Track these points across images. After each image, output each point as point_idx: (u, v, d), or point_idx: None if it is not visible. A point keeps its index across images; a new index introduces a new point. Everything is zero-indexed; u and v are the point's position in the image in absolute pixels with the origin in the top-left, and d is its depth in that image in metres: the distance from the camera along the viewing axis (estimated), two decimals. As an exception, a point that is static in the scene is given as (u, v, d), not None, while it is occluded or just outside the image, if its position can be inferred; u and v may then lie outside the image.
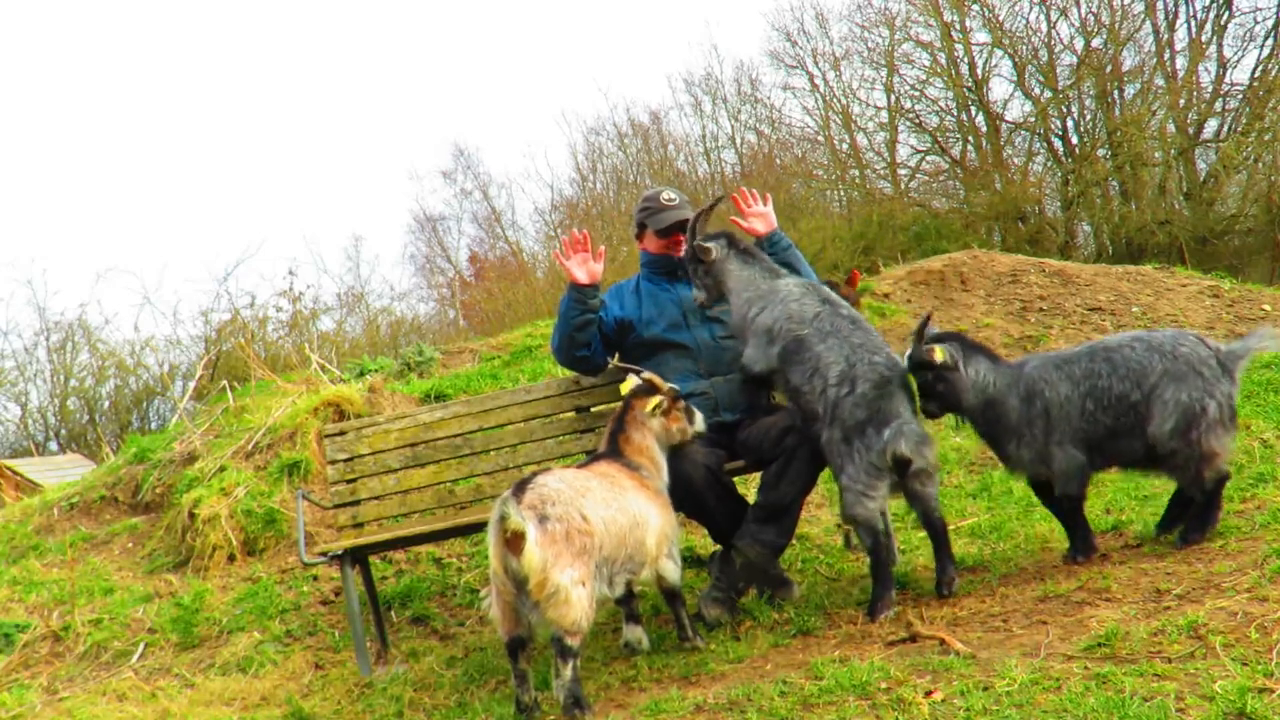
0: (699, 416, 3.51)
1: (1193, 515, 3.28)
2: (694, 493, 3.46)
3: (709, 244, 3.65)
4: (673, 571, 3.23)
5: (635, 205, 4.16)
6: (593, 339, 3.85)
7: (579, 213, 18.82)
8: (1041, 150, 17.35)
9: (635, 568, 3.08)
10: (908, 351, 3.39)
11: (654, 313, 3.88)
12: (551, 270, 16.89)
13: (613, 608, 3.26)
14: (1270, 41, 15.30)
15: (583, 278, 3.77)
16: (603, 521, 2.91)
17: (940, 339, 3.38)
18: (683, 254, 3.75)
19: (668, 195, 3.98)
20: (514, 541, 2.72)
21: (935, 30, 16.79)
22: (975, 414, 3.37)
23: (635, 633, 3.38)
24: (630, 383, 3.51)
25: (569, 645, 2.78)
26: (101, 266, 31.72)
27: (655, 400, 3.39)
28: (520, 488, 2.87)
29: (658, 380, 3.47)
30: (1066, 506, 3.38)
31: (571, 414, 4.22)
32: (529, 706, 2.94)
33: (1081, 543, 3.36)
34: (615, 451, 3.32)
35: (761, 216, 3.90)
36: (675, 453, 3.47)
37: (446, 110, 36.34)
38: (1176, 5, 16.06)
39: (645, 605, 4.06)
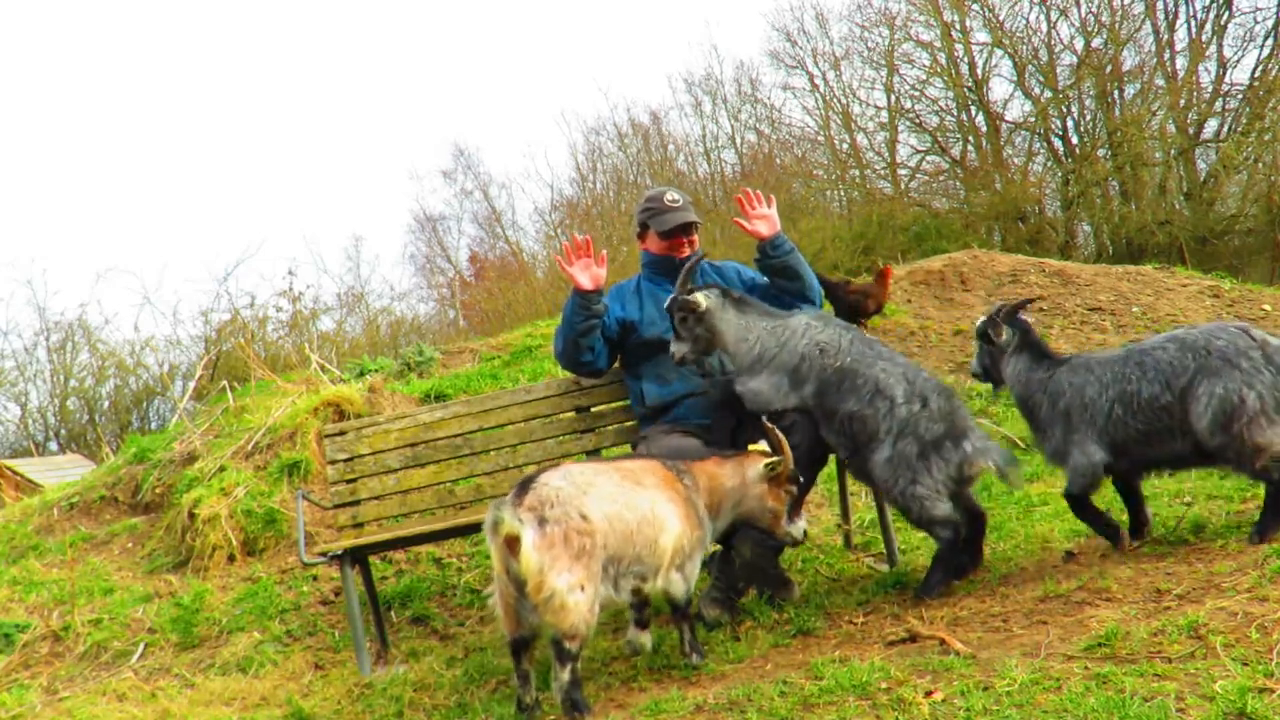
0: (801, 523, 3.33)
1: (1264, 509, 3.17)
2: None
3: (699, 294, 3.55)
4: (679, 585, 3.09)
5: (637, 204, 4.15)
6: (596, 343, 3.84)
7: (579, 213, 18.83)
8: (1041, 150, 17.37)
9: (645, 571, 2.97)
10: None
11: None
12: (551, 270, 16.89)
13: (622, 607, 3.21)
14: (1270, 41, 15.32)
15: (586, 283, 3.75)
16: (606, 518, 2.82)
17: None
18: (666, 308, 3.63)
19: (671, 196, 3.97)
20: (512, 544, 2.69)
21: (935, 30, 16.80)
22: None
23: (641, 637, 3.25)
24: (759, 448, 3.33)
25: (567, 649, 2.74)
26: (101, 266, 31.79)
27: (774, 460, 3.22)
28: (524, 487, 2.83)
29: (788, 454, 3.25)
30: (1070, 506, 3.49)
31: (571, 414, 4.22)
32: (530, 706, 2.92)
33: (1111, 531, 3.44)
34: (688, 459, 3.23)
35: (765, 219, 3.86)
36: (673, 452, 3.44)
37: (446, 110, 36.37)
38: (1176, 5, 16.08)
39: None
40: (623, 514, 2.88)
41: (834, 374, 3.41)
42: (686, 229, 3.89)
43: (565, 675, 2.76)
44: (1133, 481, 3.49)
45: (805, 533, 3.35)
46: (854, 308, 7.18)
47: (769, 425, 3.27)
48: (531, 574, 2.67)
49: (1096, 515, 3.45)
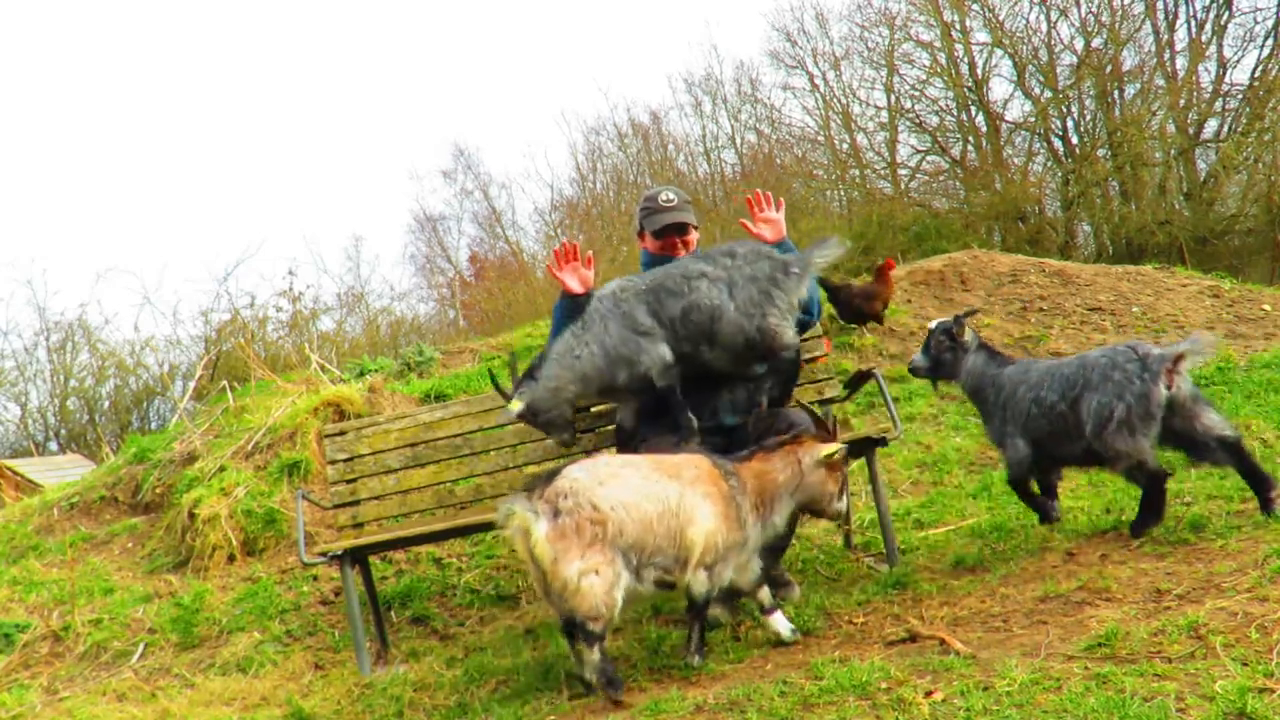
0: (848, 498, 3.41)
1: (1140, 507, 3.55)
2: None
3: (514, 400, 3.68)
4: (702, 585, 3.04)
5: (637, 203, 4.16)
6: None
7: (579, 213, 18.83)
8: (1041, 150, 17.35)
9: (669, 563, 2.96)
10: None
11: None
12: (551, 270, 16.88)
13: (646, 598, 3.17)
14: (1270, 41, 15.30)
15: (576, 286, 3.76)
16: (622, 507, 2.86)
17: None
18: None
19: (666, 196, 3.97)
20: (526, 534, 2.80)
21: (935, 30, 16.78)
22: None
23: (773, 624, 3.20)
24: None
25: (591, 630, 2.83)
26: (101, 266, 31.78)
27: (835, 448, 3.21)
28: (548, 479, 2.93)
29: (837, 435, 3.29)
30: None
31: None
32: (590, 682, 2.99)
33: (1043, 509, 3.85)
34: (735, 458, 3.22)
35: (771, 223, 3.85)
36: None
37: (446, 110, 36.36)
38: (1176, 5, 16.06)
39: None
40: (641, 504, 2.91)
41: (648, 295, 3.57)
42: (679, 229, 3.89)
43: (594, 655, 2.85)
44: (1049, 477, 3.89)
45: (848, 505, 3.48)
46: (858, 312, 7.11)
47: (813, 410, 3.40)
48: (545, 564, 2.79)
49: (1031, 497, 3.84)
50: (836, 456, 3.21)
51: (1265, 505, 3.39)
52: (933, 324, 4.05)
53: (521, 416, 3.67)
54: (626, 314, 3.58)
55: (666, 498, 2.96)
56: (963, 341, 3.92)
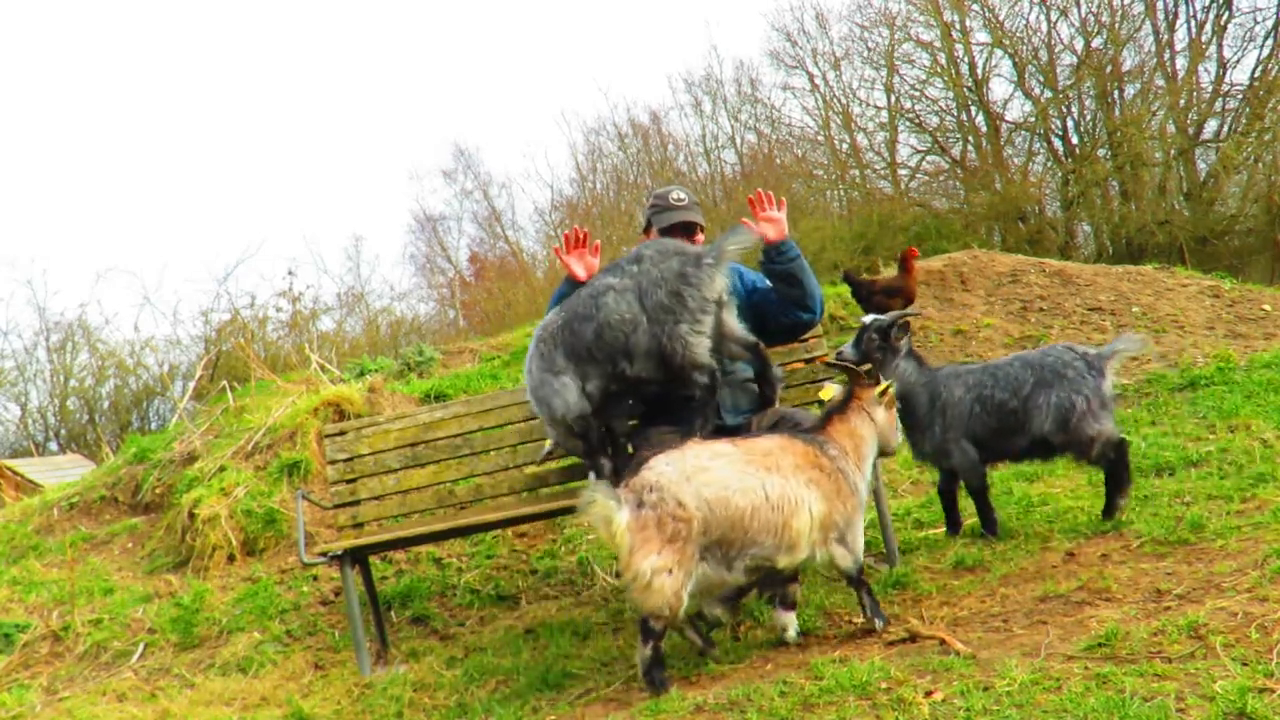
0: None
1: (1107, 487, 3.84)
2: None
3: None
4: (844, 557, 3.05)
5: (647, 199, 4.17)
6: None
7: (579, 213, 18.82)
8: (1041, 150, 17.35)
9: (768, 552, 2.93)
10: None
11: None
12: (551, 270, 16.91)
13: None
14: (1270, 41, 15.30)
15: (581, 273, 3.79)
16: (708, 505, 2.83)
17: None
18: None
19: (677, 195, 3.98)
20: (606, 523, 2.81)
21: (935, 30, 16.78)
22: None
23: (782, 619, 3.23)
24: (830, 390, 3.44)
25: (652, 627, 2.84)
26: (101, 266, 31.79)
27: (887, 384, 3.30)
28: (636, 467, 2.94)
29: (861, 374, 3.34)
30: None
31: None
32: (701, 647, 3.09)
33: (988, 524, 4.01)
34: (817, 429, 3.22)
35: (773, 222, 3.83)
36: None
37: (446, 110, 36.35)
38: (1176, 5, 16.06)
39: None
40: (732, 499, 2.87)
41: (564, 331, 3.52)
42: (686, 229, 3.90)
43: (648, 651, 2.86)
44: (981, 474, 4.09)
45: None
46: (882, 309, 7.14)
47: (847, 364, 3.45)
48: (621, 554, 2.81)
49: (955, 507, 4.13)
50: (891, 391, 3.33)
51: (1109, 508, 3.80)
52: (867, 319, 4.05)
53: (549, 455, 3.94)
54: (545, 355, 3.56)
55: (764, 491, 2.92)
56: (895, 344, 3.99)
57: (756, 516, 2.89)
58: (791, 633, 3.20)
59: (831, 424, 3.21)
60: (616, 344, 3.44)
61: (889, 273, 8.74)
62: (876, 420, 3.26)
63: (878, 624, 3.12)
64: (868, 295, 7.21)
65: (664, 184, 18.70)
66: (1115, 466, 3.80)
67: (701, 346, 3.39)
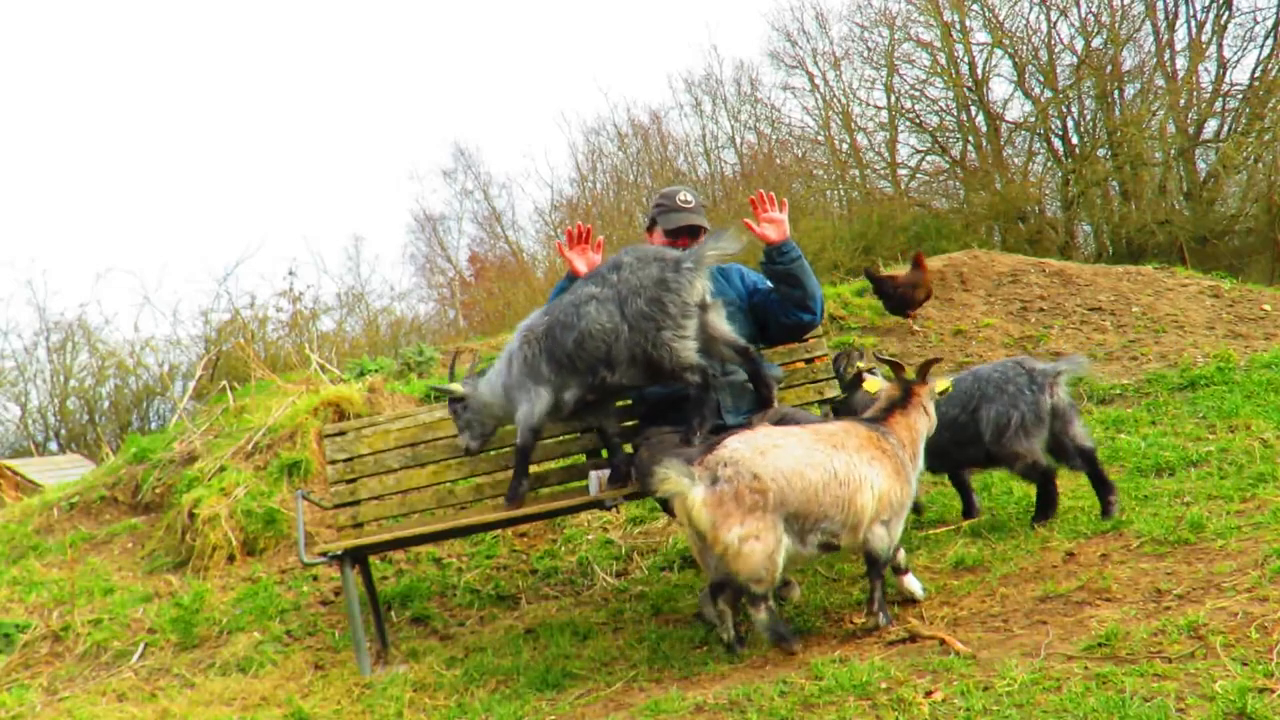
0: None
1: (1036, 502, 4.04)
2: None
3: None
4: (881, 539, 3.12)
5: (653, 198, 4.17)
6: None
7: (579, 213, 18.82)
8: (1041, 150, 17.35)
9: (836, 528, 3.03)
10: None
11: None
12: (551, 270, 16.92)
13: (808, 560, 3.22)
14: (1270, 41, 15.30)
15: (583, 269, 3.81)
16: (783, 477, 2.94)
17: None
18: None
19: (684, 196, 3.98)
20: (680, 500, 2.92)
21: (935, 30, 16.79)
22: None
23: (907, 585, 3.33)
24: (876, 383, 3.51)
25: (755, 591, 2.95)
26: (101, 266, 31.79)
27: (947, 384, 3.46)
28: (709, 447, 3.04)
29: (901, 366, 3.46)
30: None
31: (571, 414, 4.21)
32: (731, 643, 3.14)
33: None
34: (878, 420, 3.30)
35: (775, 223, 3.84)
36: (674, 454, 3.45)
37: (446, 110, 36.35)
38: (1176, 5, 16.06)
39: (657, 591, 4.06)
40: (805, 473, 2.98)
41: (546, 338, 3.57)
42: (692, 232, 3.90)
43: (762, 615, 2.99)
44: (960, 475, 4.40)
45: None
46: (905, 299, 7.37)
47: (891, 359, 3.48)
48: (705, 529, 2.92)
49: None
50: (949, 390, 3.50)
51: (1106, 509, 3.84)
52: (835, 354, 4.40)
53: (451, 401, 3.90)
54: (529, 359, 3.62)
55: (833, 467, 3.03)
56: (843, 375, 4.32)
57: (827, 491, 3.00)
58: (919, 593, 3.34)
59: (893, 417, 3.33)
60: (598, 353, 3.48)
61: (899, 270, 8.88)
62: (930, 417, 3.40)
63: (881, 620, 3.14)
64: (891, 290, 7.46)
65: (665, 184, 18.71)
66: (1042, 486, 3.99)
67: (688, 349, 3.42)
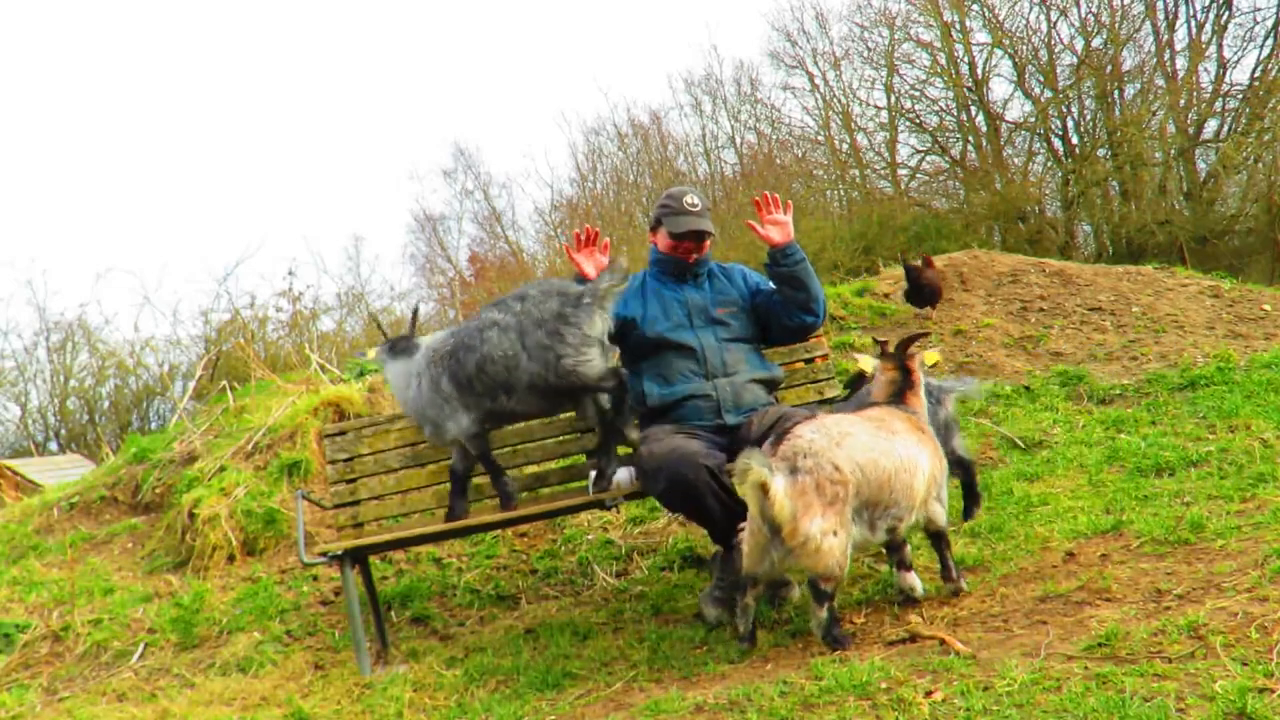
0: None
1: (964, 498, 4.28)
2: (694, 494, 3.45)
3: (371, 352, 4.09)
4: (940, 514, 3.23)
5: (659, 197, 4.15)
6: None
7: (579, 213, 18.83)
8: (1041, 150, 17.37)
9: (902, 513, 3.07)
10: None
11: (658, 312, 3.87)
12: (551, 270, 16.92)
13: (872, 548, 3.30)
14: (1270, 41, 15.32)
15: (591, 272, 3.82)
16: (860, 469, 2.94)
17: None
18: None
19: (691, 200, 3.94)
20: (763, 489, 2.84)
21: (935, 30, 16.80)
22: None
23: (909, 580, 3.34)
24: (869, 362, 3.57)
25: (823, 589, 2.92)
26: (101, 266, 31.86)
27: (936, 356, 3.54)
28: (779, 438, 3.01)
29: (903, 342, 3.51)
30: None
31: (571, 414, 4.21)
32: (746, 636, 3.14)
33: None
34: (894, 401, 3.35)
35: (779, 225, 3.82)
36: (674, 453, 3.46)
37: (446, 110, 36.41)
38: (1176, 5, 16.07)
39: (657, 591, 4.06)
40: (879, 462, 3.00)
41: (450, 359, 3.64)
42: (698, 236, 3.89)
43: (824, 614, 2.95)
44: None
45: None
46: (933, 291, 7.71)
47: (879, 341, 3.53)
48: (785, 520, 2.84)
49: None
50: (939, 363, 3.55)
51: (967, 514, 4.21)
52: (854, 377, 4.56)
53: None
54: (434, 378, 3.68)
55: (897, 454, 3.06)
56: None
57: (898, 478, 3.03)
58: (919, 590, 3.30)
59: (908, 397, 3.37)
60: (498, 378, 3.57)
61: (899, 270, 9.19)
62: (924, 381, 3.46)
63: (963, 585, 3.26)
64: (917, 281, 7.73)
65: (665, 184, 18.69)
66: (966, 484, 4.27)
67: (594, 366, 3.53)
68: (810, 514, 2.84)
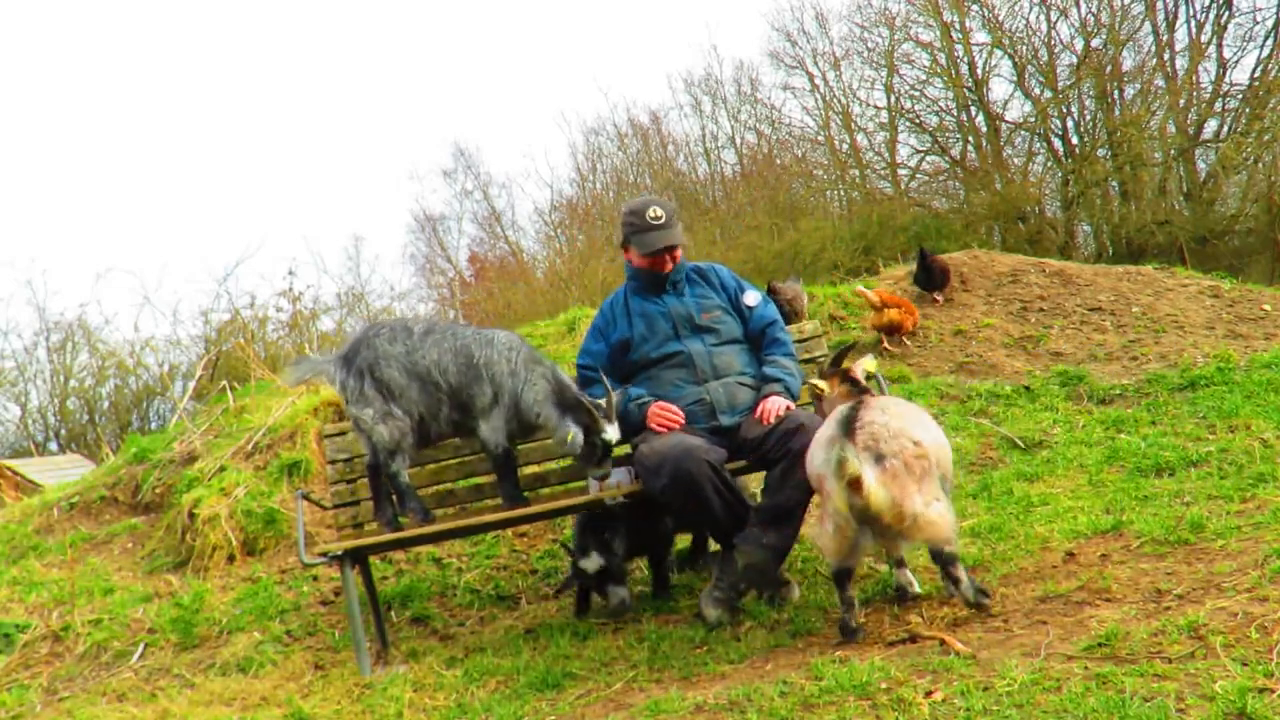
0: None
1: None
2: (696, 488, 3.44)
3: None
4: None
5: (621, 212, 4.10)
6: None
7: (579, 213, 18.84)
8: (1041, 150, 17.38)
9: (948, 485, 3.12)
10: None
11: (645, 330, 3.89)
12: (551, 270, 16.92)
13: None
14: (1270, 41, 15.32)
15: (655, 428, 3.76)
16: (934, 442, 3.03)
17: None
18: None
19: (654, 212, 3.88)
20: (855, 484, 2.82)
21: (935, 30, 16.81)
22: None
23: (906, 576, 3.39)
24: (873, 364, 3.63)
25: (949, 553, 2.97)
26: (101, 266, 31.90)
27: (873, 365, 3.61)
28: (850, 430, 2.96)
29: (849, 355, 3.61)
30: None
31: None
32: (854, 629, 3.08)
33: None
34: (865, 395, 3.37)
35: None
36: (677, 447, 3.48)
37: (446, 110, 36.44)
38: (1176, 5, 16.08)
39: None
40: (938, 438, 3.10)
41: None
42: (671, 250, 3.90)
43: (960, 573, 3.01)
44: None
45: None
46: (945, 277, 7.90)
47: (846, 366, 3.53)
48: (885, 510, 2.85)
49: None
50: (875, 371, 3.65)
51: None
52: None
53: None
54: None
55: (939, 432, 3.13)
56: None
57: (946, 452, 3.11)
58: (916, 588, 3.35)
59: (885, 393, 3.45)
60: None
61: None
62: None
63: (985, 599, 3.23)
64: (929, 267, 7.89)
65: (665, 184, 18.71)
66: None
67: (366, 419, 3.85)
68: (908, 494, 2.87)
